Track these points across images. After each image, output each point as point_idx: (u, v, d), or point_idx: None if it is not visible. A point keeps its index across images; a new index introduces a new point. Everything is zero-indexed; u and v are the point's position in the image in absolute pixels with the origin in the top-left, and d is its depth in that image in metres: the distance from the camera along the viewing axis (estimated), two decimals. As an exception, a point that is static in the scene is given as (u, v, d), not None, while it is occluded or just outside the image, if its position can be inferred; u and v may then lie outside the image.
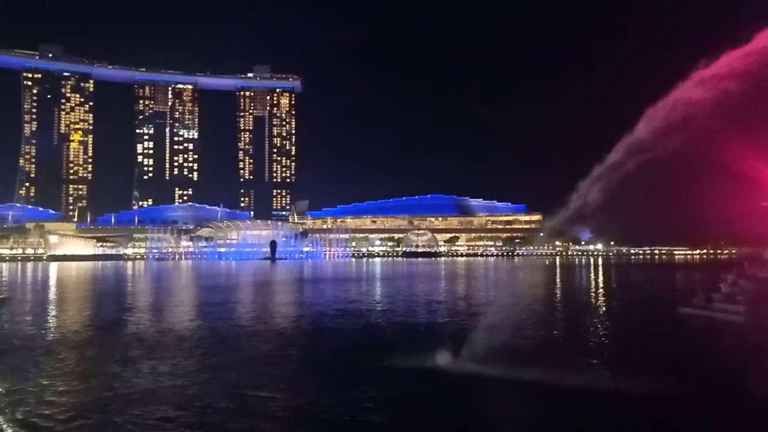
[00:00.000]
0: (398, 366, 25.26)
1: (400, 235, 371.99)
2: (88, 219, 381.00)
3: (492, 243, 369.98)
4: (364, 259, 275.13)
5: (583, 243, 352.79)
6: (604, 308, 52.65)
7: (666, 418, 18.08)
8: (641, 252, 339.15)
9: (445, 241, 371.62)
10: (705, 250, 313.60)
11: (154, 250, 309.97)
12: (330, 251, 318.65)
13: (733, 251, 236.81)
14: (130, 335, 35.27)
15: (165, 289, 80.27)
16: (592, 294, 69.71)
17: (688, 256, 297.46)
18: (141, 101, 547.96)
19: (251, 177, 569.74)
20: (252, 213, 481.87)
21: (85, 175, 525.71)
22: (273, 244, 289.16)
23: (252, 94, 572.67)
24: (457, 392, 21.61)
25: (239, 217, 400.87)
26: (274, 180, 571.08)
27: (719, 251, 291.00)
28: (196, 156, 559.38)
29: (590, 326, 39.32)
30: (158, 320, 42.90)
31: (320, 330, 37.98)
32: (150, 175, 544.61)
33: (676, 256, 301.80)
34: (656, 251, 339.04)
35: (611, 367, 25.53)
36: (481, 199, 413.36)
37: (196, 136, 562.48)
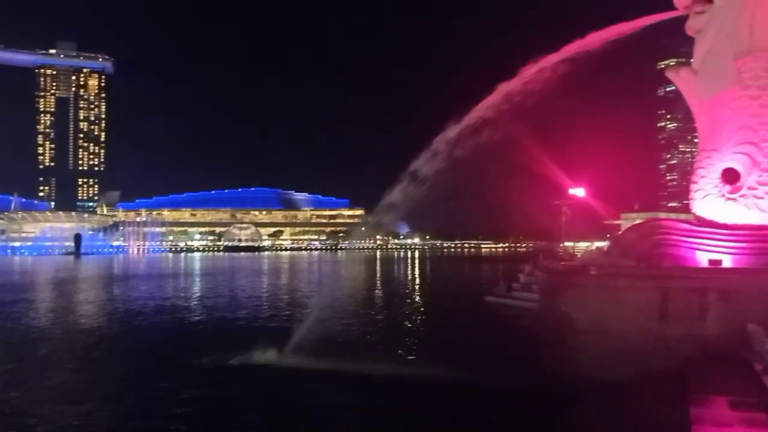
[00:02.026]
0: (213, 365, 24.27)
1: (222, 229, 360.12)
2: None
3: (316, 237, 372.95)
4: (183, 254, 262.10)
5: (401, 237, 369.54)
6: (418, 298, 55.46)
7: (468, 400, 19.40)
8: (453, 246, 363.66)
9: (269, 235, 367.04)
10: (507, 244, 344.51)
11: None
12: (143, 246, 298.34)
13: (530, 245, 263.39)
14: None
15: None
16: (408, 285, 73.12)
17: (493, 250, 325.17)
18: None
19: (53, 164, 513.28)
20: (53, 203, 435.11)
21: None
22: (77, 238, 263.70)
23: (54, 72, 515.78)
24: (279, 387, 21.31)
25: (37, 207, 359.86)
26: (81, 168, 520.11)
27: (519, 245, 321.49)
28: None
29: (408, 317, 41.13)
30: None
31: (125, 331, 35.30)
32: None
33: (483, 249, 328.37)
34: (466, 245, 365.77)
35: (424, 356, 26.86)
36: (305, 194, 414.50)
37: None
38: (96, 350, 29.14)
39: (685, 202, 33.10)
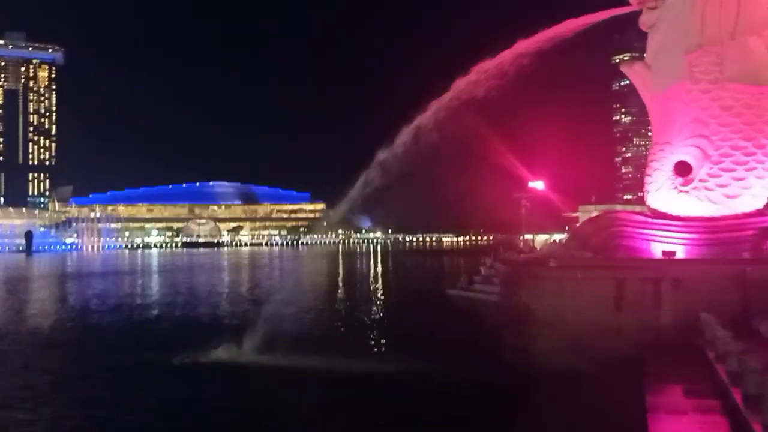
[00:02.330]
0: (171, 364, 23.79)
1: (180, 225, 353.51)
2: None
3: (277, 232, 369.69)
4: (139, 251, 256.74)
5: (364, 231, 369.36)
6: (381, 292, 55.49)
7: (431, 393, 19.48)
8: (415, 239, 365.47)
9: (228, 231, 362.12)
10: (468, 237, 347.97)
11: None
12: (98, 243, 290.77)
13: (491, 237, 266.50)
14: None
15: None
16: (371, 280, 73.12)
17: (455, 243, 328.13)
18: None
19: (1, 158, 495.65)
20: (2, 199, 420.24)
21: None
22: (29, 235, 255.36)
23: (3, 64, 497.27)
24: (240, 385, 21.01)
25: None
26: (31, 162, 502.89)
27: (480, 238, 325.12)
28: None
29: (370, 311, 41.13)
30: None
31: (79, 331, 34.35)
32: None
33: (445, 243, 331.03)
34: (428, 238, 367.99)
35: (387, 350, 26.88)
36: (266, 187, 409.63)
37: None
38: (46, 351, 28.21)
39: (640, 194, 33.90)
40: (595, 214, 41.56)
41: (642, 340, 18.80)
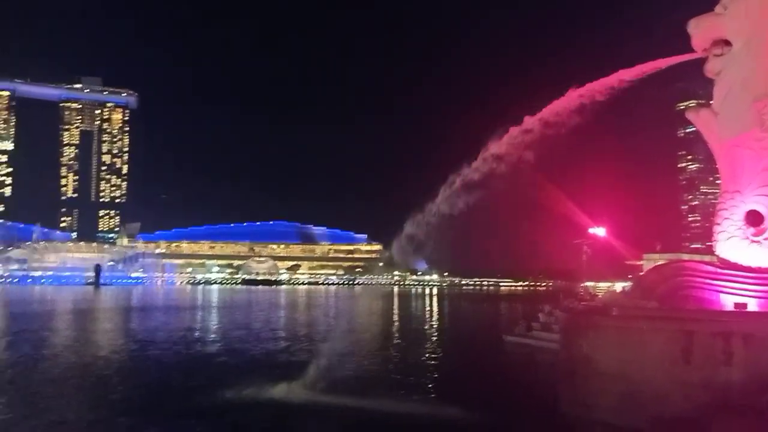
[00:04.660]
0: (228, 399, 24.12)
1: (240, 262, 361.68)
2: None
3: (333, 272, 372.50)
4: (200, 287, 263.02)
5: (419, 273, 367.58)
6: (436, 336, 54.82)
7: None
8: (471, 283, 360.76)
9: (286, 269, 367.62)
10: (526, 283, 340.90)
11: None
12: (161, 277, 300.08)
13: (550, 284, 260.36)
14: None
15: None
16: (426, 323, 72.42)
17: (512, 288, 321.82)
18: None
19: (75, 195, 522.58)
20: (75, 234, 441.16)
21: None
22: (98, 269, 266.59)
23: (79, 106, 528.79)
24: (292, 423, 21.09)
25: (59, 238, 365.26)
26: (102, 200, 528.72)
27: (538, 284, 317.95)
28: (10, 169, 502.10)
29: (423, 354, 40.66)
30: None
31: (143, 363, 35.28)
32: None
33: (502, 288, 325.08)
34: (485, 283, 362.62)
35: (442, 394, 26.45)
36: (324, 228, 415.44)
37: (11, 148, 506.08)
38: (109, 382, 29.08)
39: (708, 243, 32.59)
40: (660, 262, 40.20)
41: (709, 398, 17.89)
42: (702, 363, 18.87)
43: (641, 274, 51.02)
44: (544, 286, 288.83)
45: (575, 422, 19.26)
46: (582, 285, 66.38)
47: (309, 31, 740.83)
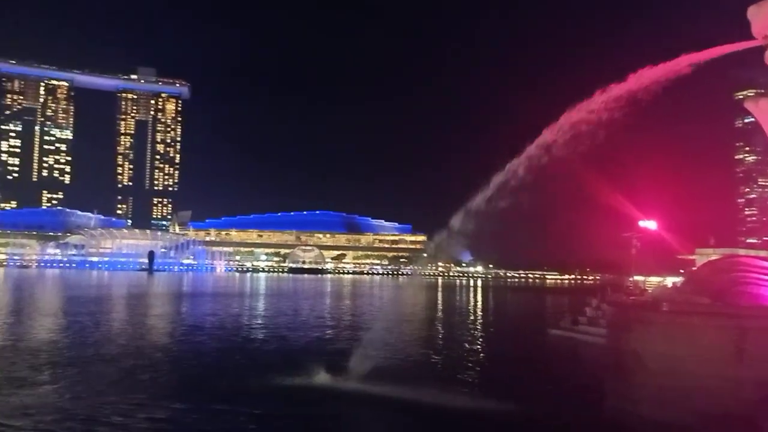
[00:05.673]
0: (280, 386, 24.69)
1: (287, 251, 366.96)
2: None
3: (378, 261, 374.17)
4: (248, 274, 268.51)
5: (464, 265, 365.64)
6: (479, 328, 54.63)
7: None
8: (517, 275, 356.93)
9: (332, 258, 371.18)
10: (573, 276, 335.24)
11: (16, 257, 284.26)
12: (210, 264, 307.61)
13: (597, 277, 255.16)
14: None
15: (28, 300, 73.52)
16: (470, 314, 72.18)
17: (558, 281, 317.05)
18: (9, 95, 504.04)
19: (130, 183, 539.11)
20: (129, 221, 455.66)
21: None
22: (151, 255, 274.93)
23: (135, 96, 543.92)
24: (333, 411, 21.46)
25: (115, 225, 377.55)
26: (156, 188, 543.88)
27: (585, 277, 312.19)
28: (69, 158, 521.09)
29: (469, 346, 40.62)
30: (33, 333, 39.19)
31: (193, 348, 36.36)
32: (15, 175, 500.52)
33: (548, 281, 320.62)
34: (530, 275, 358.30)
35: (485, 386, 26.43)
36: (369, 218, 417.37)
37: (70, 137, 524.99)
38: (159, 367, 30.08)
39: (765, 238, 31.47)
40: (714, 257, 38.95)
41: (762, 396, 17.40)
42: (755, 360, 18.37)
43: (694, 269, 49.56)
44: (591, 279, 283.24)
45: (621, 417, 19.00)
46: (631, 279, 64.81)
47: (369, 21, 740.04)
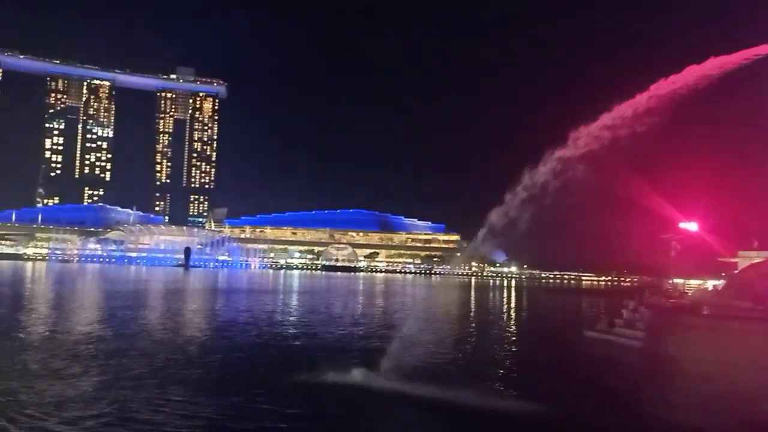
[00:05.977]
0: (311, 383, 24.87)
1: (320, 249, 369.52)
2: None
3: (411, 260, 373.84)
4: (282, 271, 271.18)
5: (497, 265, 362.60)
6: (513, 328, 54.13)
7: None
8: (552, 276, 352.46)
9: (365, 257, 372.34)
10: (609, 278, 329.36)
11: (58, 251, 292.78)
12: (245, 261, 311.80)
13: (635, 279, 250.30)
14: (44, 347, 32.96)
15: (68, 294, 75.72)
16: (504, 315, 71.56)
17: (594, 283, 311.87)
18: (53, 95, 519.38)
19: (168, 181, 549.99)
20: (167, 218, 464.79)
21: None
22: (187, 251, 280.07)
23: (174, 96, 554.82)
24: (366, 410, 21.50)
25: (153, 221, 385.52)
26: (193, 185, 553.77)
27: (622, 279, 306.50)
28: (109, 156, 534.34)
29: (501, 347, 40.28)
30: (72, 327, 40.36)
31: (227, 344, 36.87)
32: (58, 172, 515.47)
33: (584, 282, 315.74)
34: (565, 276, 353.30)
35: (517, 388, 26.16)
36: (402, 217, 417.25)
37: (111, 135, 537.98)
38: (192, 361, 30.58)
39: (812, 241, 30.52)
40: (757, 260, 37.82)
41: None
42: (800, 368, 17.80)
43: (736, 272, 48.27)
44: (628, 281, 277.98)
45: (657, 423, 18.58)
46: (670, 282, 63.35)
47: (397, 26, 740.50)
